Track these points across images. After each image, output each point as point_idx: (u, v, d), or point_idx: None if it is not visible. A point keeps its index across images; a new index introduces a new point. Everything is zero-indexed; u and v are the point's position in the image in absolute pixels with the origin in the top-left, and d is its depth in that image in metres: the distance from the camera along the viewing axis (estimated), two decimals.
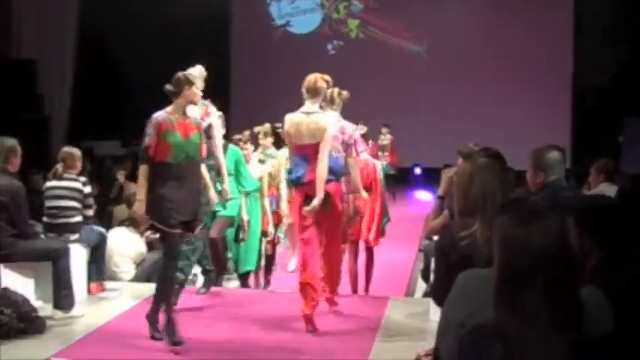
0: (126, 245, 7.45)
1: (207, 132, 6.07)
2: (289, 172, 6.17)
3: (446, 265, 3.24)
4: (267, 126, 8.08)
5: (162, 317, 5.28)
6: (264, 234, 7.71)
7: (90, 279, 6.64)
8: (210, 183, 5.83)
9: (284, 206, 7.80)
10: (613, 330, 2.47)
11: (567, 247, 2.03)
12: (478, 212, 3.19)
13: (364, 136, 7.90)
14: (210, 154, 6.15)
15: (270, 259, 8.07)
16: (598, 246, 2.75)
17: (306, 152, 5.63)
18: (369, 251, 7.22)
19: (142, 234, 7.53)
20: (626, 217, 2.95)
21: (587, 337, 2.00)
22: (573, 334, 1.94)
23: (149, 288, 6.79)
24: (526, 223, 2.02)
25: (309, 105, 5.70)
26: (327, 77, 5.79)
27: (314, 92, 5.68)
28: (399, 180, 15.58)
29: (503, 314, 1.99)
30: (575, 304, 1.98)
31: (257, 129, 8.07)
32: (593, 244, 2.76)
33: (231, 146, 7.13)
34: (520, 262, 1.98)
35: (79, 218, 6.52)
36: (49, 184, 6.59)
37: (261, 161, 7.82)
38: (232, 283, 7.67)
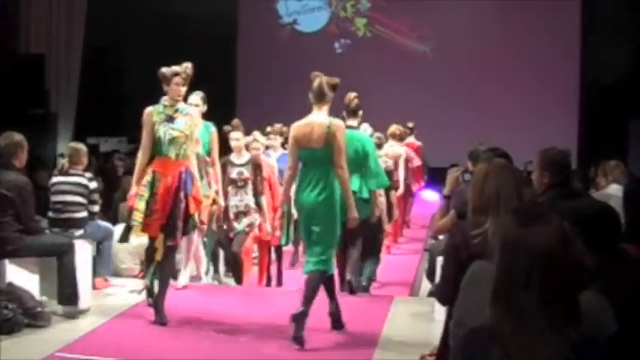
0: (131, 241, 7.44)
1: None
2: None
3: (456, 264, 3.23)
4: (186, 65, 5.74)
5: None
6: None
7: (95, 274, 6.65)
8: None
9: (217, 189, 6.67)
10: (615, 333, 2.46)
11: (567, 250, 2.00)
12: (491, 211, 3.19)
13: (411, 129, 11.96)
14: None
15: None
16: (590, 251, 2.74)
17: None
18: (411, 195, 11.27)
19: None
20: (617, 222, 2.95)
21: (588, 340, 1.98)
22: (571, 337, 1.92)
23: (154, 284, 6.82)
24: (526, 224, 2.01)
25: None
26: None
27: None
28: None
29: (499, 316, 1.97)
30: (572, 307, 1.96)
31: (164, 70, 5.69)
32: (586, 249, 2.74)
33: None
34: (517, 262, 1.97)
35: (84, 214, 6.54)
36: (54, 179, 6.61)
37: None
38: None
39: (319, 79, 5.44)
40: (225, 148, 7.14)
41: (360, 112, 6.69)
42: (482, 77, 17.16)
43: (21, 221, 5.78)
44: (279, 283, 7.75)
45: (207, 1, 16.47)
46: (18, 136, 5.95)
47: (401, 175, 9.91)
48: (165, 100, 5.70)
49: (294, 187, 5.48)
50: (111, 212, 8.94)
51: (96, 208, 6.76)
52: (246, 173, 7.02)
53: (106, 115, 16.20)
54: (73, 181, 6.53)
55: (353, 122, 6.60)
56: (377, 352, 5.15)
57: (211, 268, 7.61)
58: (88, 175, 6.74)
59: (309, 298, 5.17)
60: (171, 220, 5.57)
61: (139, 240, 7.50)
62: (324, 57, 17.40)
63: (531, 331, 1.92)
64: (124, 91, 17.12)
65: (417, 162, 11.31)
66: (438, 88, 17.19)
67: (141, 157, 5.68)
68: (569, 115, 17.04)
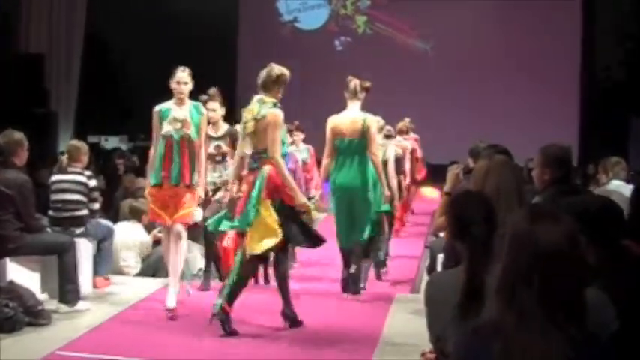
0: (132, 239, 7.46)
1: None
2: None
3: (457, 261, 3.23)
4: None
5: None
6: None
7: (96, 273, 6.65)
8: None
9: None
10: (617, 330, 2.45)
11: (573, 251, 2.00)
12: None
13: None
14: None
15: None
16: (594, 247, 2.73)
17: None
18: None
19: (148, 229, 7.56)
20: (621, 218, 2.94)
21: (589, 338, 1.98)
22: (572, 335, 1.92)
23: (155, 282, 6.82)
24: (535, 221, 2.00)
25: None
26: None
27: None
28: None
29: (502, 311, 1.97)
30: (575, 305, 1.96)
31: None
32: (589, 245, 2.74)
33: None
34: (521, 258, 1.97)
35: (84, 212, 6.53)
36: (54, 177, 6.60)
37: None
38: None
39: (354, 81, 6.52)
40: None
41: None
42: (483, 76, 17.17)
43: (22, 219, 5.78)
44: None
45: None
46: (18, 135, 5.95)
47: (407, 166, 10.81)
48: (276, 101, 5.37)
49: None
50: (112, 211, 8.93)
51: (96, 207, 6.75)
52: (225, 147, 6.61)
53: (106, 113, 16.21)
54: (73, 179, 6.52)
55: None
56: (378, 349, 5.15)
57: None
58: (88, 173, 6.72)
59: (358, 260, 6.46)
60: None
61: (141, 238, 7.54)
62: (325, 55, 17.42)
63: (532, 329, 1.91)
64: (125, 89, 17.13)
65: (419, 153, 12.49)
66: (438, 86, 17.19)
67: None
68: (570, 114, 17.04)
